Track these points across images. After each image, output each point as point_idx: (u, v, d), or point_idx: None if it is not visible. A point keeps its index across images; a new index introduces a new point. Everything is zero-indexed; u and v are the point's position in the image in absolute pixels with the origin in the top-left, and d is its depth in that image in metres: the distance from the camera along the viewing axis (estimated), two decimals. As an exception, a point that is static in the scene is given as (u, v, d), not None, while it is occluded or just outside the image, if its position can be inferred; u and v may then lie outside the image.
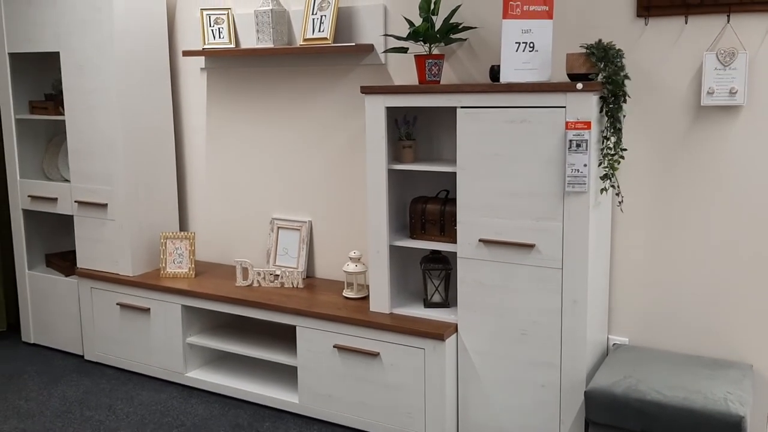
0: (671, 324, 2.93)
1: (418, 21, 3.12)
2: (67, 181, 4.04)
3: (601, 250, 2.86)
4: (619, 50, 2.70)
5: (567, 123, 2.63)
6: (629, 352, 2.89)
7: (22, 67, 4.08)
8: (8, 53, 3.98)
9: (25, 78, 4.11)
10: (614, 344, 3.01)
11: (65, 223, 4.27)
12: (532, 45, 2.73)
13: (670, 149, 2.85)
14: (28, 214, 4.15)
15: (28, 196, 4.06)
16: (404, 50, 3.09)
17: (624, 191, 2.93)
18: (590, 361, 2.80)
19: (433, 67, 3.01)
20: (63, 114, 3.91)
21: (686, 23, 2.75)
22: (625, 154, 2.85)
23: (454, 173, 2.98)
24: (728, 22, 2.68)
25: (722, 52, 2.67)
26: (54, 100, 4.01)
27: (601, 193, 2.76)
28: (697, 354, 2.88)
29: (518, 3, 2.70)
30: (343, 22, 3.41)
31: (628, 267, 2.98)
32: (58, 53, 3.84)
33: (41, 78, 4.17)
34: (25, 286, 4.17)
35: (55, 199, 3.98)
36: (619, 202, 2.93)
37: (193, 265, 3.76)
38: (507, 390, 2.90)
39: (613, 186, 2.79)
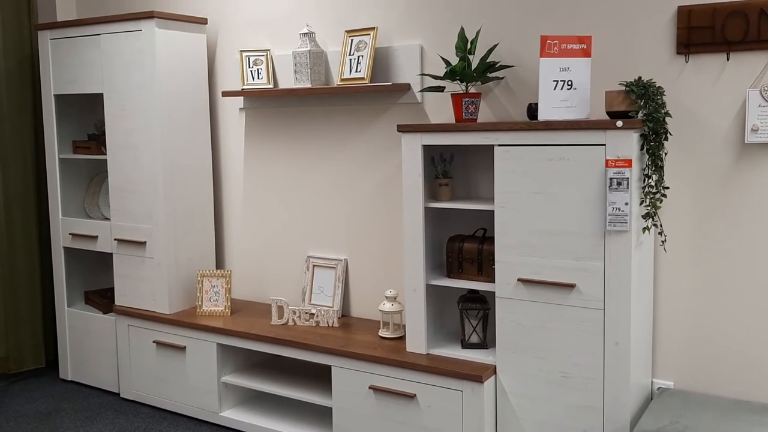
0: (718, 367, 2.83)
1: (454, 60, 3.14)
2: (107, 219, 4.10)
3: (643, 290, 2.79)
4: (659, 87, 2.67)
5: (607, 161, 2.59)
6: (675, 396, 2.79)
7: (67, 109, 4.19)
8: (54, 95, 4.09)
9: (70, 119, 4.21)
10: (659, 388, 2.92)
11: (104, 260, 4.33)
12: (570, 83, 2.71)
13: (713, 187, 2.79)
14: (68, 251, 4.21)
15: (69, 233, 4.13)
16: (441, 89, 3.10)
17: (667, 230, 2.87)
18: (634, 406, 2.71)
19: (469, 106, 3.00)
20: (105, 153, 3.99)
21: (728, 60, 2.71)
22: (667, 192, 2.80)
23: (492, 211, 2.95)
24: (772, 58, 2.64)
25: (766, 89, 2.62)
26: (97, 140, 4.10)
27: (644, 232, 2.70)
28: (746, 399, 2.78)
29: (556, 41, 2.70)
30: (380, 62, 3.44)
31: (673, 308, 2.90)
32: (101, 94, 3.94)
33: (85, 118, 4.27)
34: (64, 323, 4.22)
35: (95, 237, 4.04)
36: (662, 242, 2.86)
37: (229, 303, 3.77)
38: (547, 434, 2.82)
39: (655, 225, 2.73)
